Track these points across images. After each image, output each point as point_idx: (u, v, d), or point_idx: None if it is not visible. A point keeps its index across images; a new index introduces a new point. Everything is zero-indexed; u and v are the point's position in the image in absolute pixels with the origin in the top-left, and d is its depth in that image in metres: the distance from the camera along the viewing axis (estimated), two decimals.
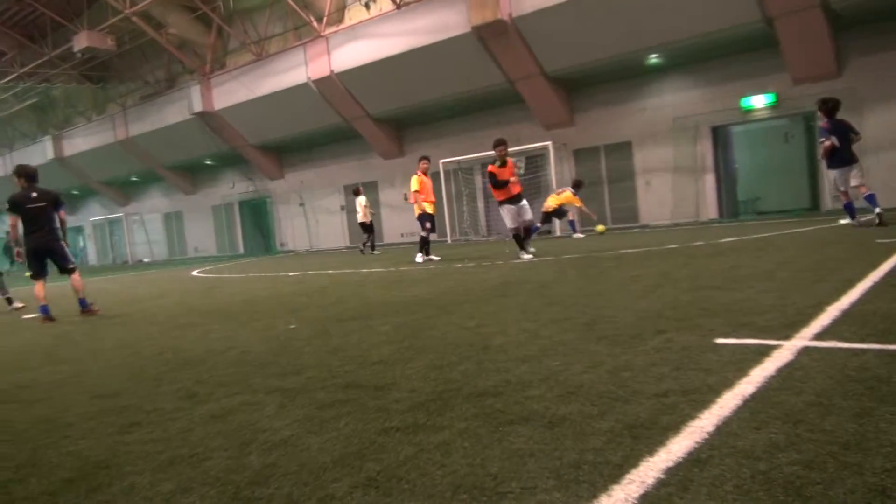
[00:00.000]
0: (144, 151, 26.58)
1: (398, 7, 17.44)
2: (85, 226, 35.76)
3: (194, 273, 15.93)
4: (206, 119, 22.90)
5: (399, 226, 22.17)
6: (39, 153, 30.35)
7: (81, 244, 37.34)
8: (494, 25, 15.41)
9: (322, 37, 19.12)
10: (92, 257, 35.78)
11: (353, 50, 18.54)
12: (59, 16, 23.16)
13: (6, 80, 25.88)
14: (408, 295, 6.89)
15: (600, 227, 15.03)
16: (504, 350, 3.66)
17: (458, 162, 19.66)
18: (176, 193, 29.84)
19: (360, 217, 16.24)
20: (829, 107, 9.68)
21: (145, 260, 31.10)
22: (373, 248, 16.73)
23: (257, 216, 28.18)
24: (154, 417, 3.00)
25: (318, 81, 19.44)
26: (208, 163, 27.01)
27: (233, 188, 27.49)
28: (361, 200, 16.37)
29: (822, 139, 9.68)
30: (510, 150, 18.29)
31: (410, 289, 7.48)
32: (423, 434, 2.39)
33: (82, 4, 23.12)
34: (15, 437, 2.90)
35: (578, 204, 15.19)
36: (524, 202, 10.06)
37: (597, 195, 17.97)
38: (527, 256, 9.85)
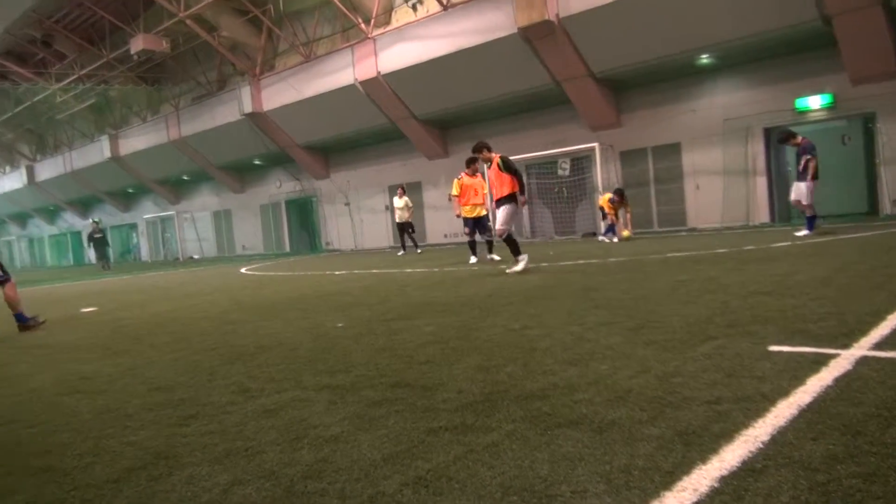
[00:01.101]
0: (196, 151, 27.27)
1: (445, 8, 17.50)
2: (139, 223, 36.87)
3: (243, 270, 16.28)
4: (256, 119, 23.37)
5: (442, 227, 22.24)
6: (97, 152, 31.44)
7: (135, 241, 38.52)
8: (541, 26, 15.33)
9: (369, 38, 19.32)
10: (145, 254, 36.87)
11: (399, 51, 18.68)
12: (117, 19, 23.94)
13: (67, 81, 26.88)
14: (452, 296, 6.91)
15: (626, 233, 14.63)
16: (550, 353, 3.65)
17: None
18: (225, 192, 30.53)
19: (406, 216, 16.37)
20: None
21: (195, 257, 31.89)
22: (416, 246, 16.84)
23: (303, 215, 28.63)
24: (209, 410, 3.09)
25: (364, 83, 19.65)
26: (257, 162, 27.56)
27: (280, 187, 27.99)
28: (406, 201, 16.48)
29: (808, 157, 10.52)
30: (556, 150, 18.21)
31: (454, 290, 7.50)
32: (472, 435, 2.41)
33: (139, 8, 23.85)
34: (80, 427, 3.02)
35: (609, 211, 14.61)
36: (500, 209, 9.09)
37: (644, 197, 17.71)
38: (518, 267, 8.79)
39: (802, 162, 10.62)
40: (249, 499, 2.01)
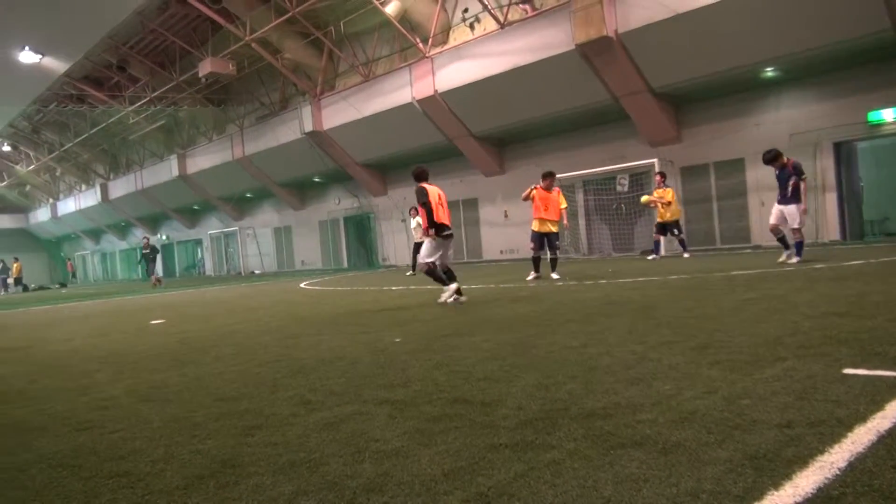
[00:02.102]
0: (258, 169, 28.09)
1: (502, 27, 17.61)
2: (203, 238, 38.13)
3: (302, 285, 16.60)
4: (316, 138, 23.93)
5: (498, 243, 22.21)
6: (166, 171, 32.76)
7: (199, 256, 39.83)
8: (599, 42, 15.24)
9: (427, 58, 19.58)
10: (209, 268, 38.05)
11: (456, 69, 18.86)
12: (187, 44, 25.01)
13: (140, 104, 28.18)
14: (509, 312, 6.89)
15: (645, 198, 14.21)
16: (611, 371, 3.59)
17: (560, 179, 19.49)
18: (286, 209, 31.30)
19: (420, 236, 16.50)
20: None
21: (256, 272, 32.73)
22: (413, 267, 16.86)
23: (361, 231, 29.06)
24: (273, 422, 3.16)
25: (422, 101, 19.90)
26: (316, 180, 28.17)
27: (338, 204, 28.51)
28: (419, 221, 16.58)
29: (800, 179, 10.00)
30: (614, 167, 17.98)
31: (511, 306, 7.47)
32: (533, 452, 2.39)
33: (207, 33, 24.87)
34: (152, 434, 3.14)
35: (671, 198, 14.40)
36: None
37: (706, 214, 17.27)
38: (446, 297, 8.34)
39: (792, 183, 9.92)
40: None
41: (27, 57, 24.26)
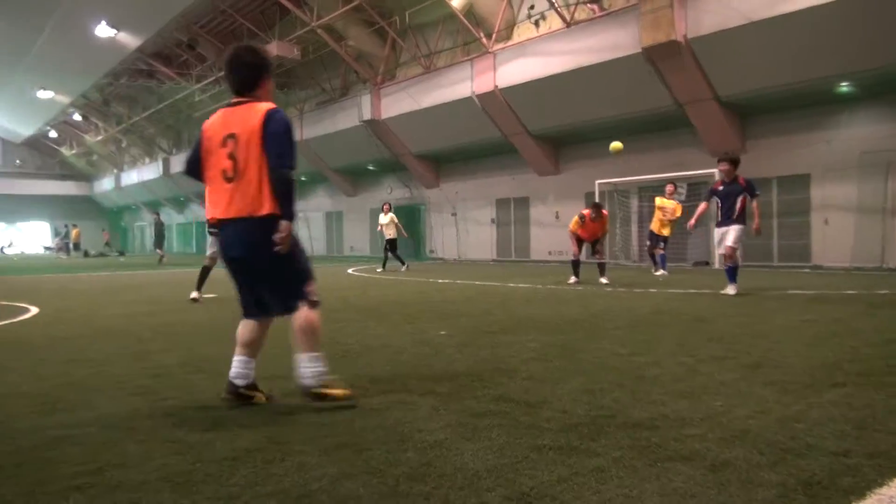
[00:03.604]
0: (314, 153, 28.50)
1: (568, 25, 17.40)
2: None
3: (350, 271, 16.81)
4: (373, 126, 24.13)
5: (547, 244, 22.03)
6: None
7: None
8: (667, 47, 14.91)
9: (490, 52, 19.51)
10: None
11: (518, 66, 18.73)
12: (255, 27, 25.51)
13: (206, 82, 28.88)
14: (555, 314, 6.84)
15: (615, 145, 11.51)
16: (659, 382, 3.53)
17: (615, 184, 19.20)
18: (338, 195, 31.69)
19: (391, 234, 16.65)
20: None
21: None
22: (384, 265, 16.84)
23: (411, 222, 29.18)
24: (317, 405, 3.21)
25: (481, 96, 19.84)
26: (370, 168, 28.43)
27: (391, 193, 28.72)
28: (392, 217, 16.77)
29: (755, 197, 8.65)
30: (672, 174, 17.61)
31: (559, 308, 7.41)
32: (577, 457, 2.37)
33: (275, 17, 25.30)
34: (203, 404, 3.23)
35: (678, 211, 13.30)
36: None
37: (765, 229, 16.76)
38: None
39: (741, 201, 8.52)
40: (356, 493, 2.08)
41: (103, 31, 25.13)
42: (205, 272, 9.12)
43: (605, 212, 11.71)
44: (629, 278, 12.52)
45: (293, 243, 3.07)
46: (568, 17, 17.42)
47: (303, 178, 32.91)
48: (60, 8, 23.48)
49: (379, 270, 16.22)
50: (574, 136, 20.18)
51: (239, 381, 3.21)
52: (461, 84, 20.53)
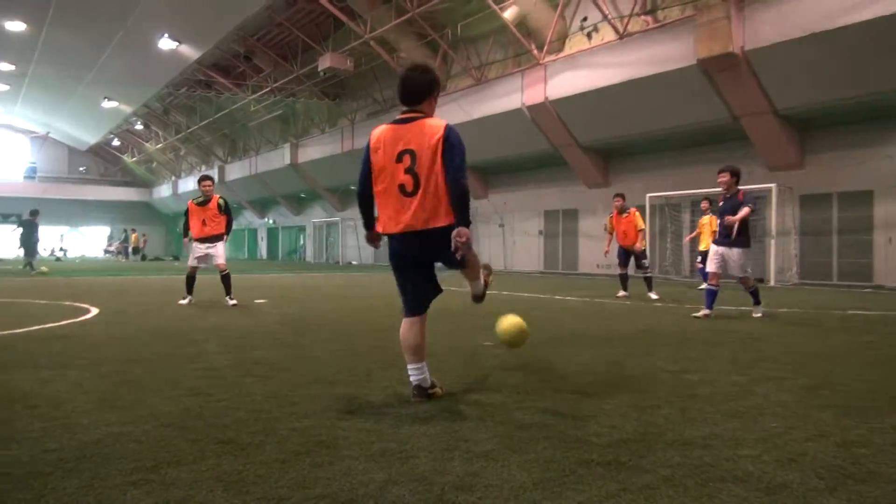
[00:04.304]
0: None
1: (621, 37, 17.25)
2: (307, 226, 39.59)
3: None
4: None
5: (595, 256, 21.75)
6: (279, 158, 34.28)
7: (301, 242, 41.39)
8: (723, 59, 14.62)
9: (541, 64, 19.47)
10: (309, 255, 39.48)
11: (569, 78, 18.64)
12: (309, 38, 26.09)
13: (261, 93, 29.64)
14: (603, 328, 6.74)
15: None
16: (711, 401, 3.44)
17: (666, 197, 18.87)
18: None
19: None
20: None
21: (353, 262, 33.64)
22: None
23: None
24: (366, 410, 3.25)
25: (531, 108, 19.80)
26: None
27: None
28: None
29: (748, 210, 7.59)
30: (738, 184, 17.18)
31: (607, 322, 7.31)
32: (626, 473, 2.33)
33: (329, 29, 25.83)
34: (253, 407, 3.29)
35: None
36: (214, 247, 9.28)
37: (824, 247, 16.21)
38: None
39: (741, 215, 7.54)
40: (403, 500, 2.08)
41: (166, 44, 26.07)
42: (190, 280, 9.36)
43: (633, 210, 11.26)
44: (679, 293, 12.26)
45: (468, 247, 3.22)
46: (621, 29, 17.27)
47: (352, 187, 33.37)
48: (126, 23, 24.48)
49: None
50: (625, 148, 19.95)
51: (424, 384, 3.43)
52: (511, 95, 20.54)
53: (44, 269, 19.86)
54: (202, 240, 9.18)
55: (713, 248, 7.93)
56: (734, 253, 7.68)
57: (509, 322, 4.02)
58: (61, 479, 2.25)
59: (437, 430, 2.89)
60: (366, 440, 2.72)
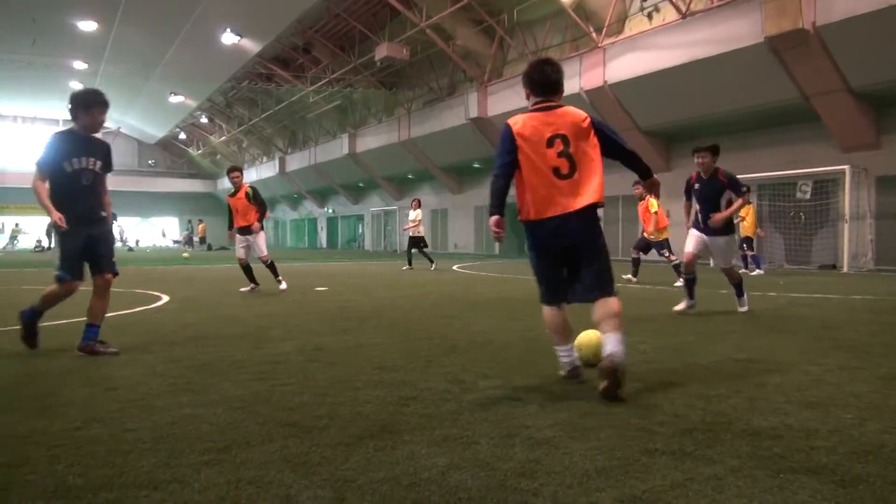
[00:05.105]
0: (421, 152, 29.01)
1: (683, 17, 16.72)
2: (365, 215, 40.11)
3: (454, 268, 16.99)
4: (479, 124, 24.24)
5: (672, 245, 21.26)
6: (337, 148, 34.78)
7: (360, 231, 41.97)
8: (793, 35, 14.00)
9: (599, 47, 19.09)
10: (368, 244, 40.03)
11: (629, 61, 18.21)
12: (366, 28, 26.30)
13: (320, 84, 30.09)
14: (666, 315, 6.60)
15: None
16: (782, 391, 3.34)
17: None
18: (444, 192, 32.08)
19: (417, 231, 16.08)
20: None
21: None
22: (431, 261, 16.23)
23: (515, 220, 29.05)
24: (427, 395, 3.28)
25: (590, 92, 19.44)
26: (476, 165, 28.58)
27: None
28: (418, 214, 16.16)
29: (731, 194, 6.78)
30: (796, 171, 16.55)
31: (669, 309, 7.15)
32: (691, 463, 2.28)
33: (386, 18, 25.97)
34: (317, 391, 3.38)
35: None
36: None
37: None
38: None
39: (725, 203, 6.81)
40: (465, 484, 2.10)
41: (228, 38, 26.75)
42: (248, 269, 9.48)
43: (649, 196, 10.27)
44: (747, 282, 11.87)
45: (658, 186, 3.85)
46: (684, 8, 16.74)
47: (409, 176, 33.57)
48: (191, 19, 25.22)
49: (432, 268, 15.82)
50: (687, 131, 19.39)
51: (577, 363, 3.59)
52: (569, 80, 19.97)
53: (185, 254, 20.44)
54: (241, 230, 9.35)
55: (692, 232, 6.85)
56: (720, 241, 6.71)
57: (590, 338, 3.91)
58: (139, 458, 2.36)
59: (499, 416, 2.90)
60: (427, 426, 2.75)
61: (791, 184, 17.31)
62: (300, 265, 18.63)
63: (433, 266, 15.90)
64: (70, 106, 4.40)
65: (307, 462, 2.31)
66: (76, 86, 36.75)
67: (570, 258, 3.53)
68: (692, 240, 6.81)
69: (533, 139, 3.44)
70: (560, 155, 3.41)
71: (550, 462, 2.29)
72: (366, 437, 2.61)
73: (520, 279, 12.48)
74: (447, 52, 23.74)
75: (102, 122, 4.55)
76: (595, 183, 3.43)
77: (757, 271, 14.16)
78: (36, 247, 35.55)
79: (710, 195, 6.69)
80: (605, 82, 18.87)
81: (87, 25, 26.20)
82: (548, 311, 3.61)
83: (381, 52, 24.65)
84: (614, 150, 3.54)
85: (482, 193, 29.56)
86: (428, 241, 33.20)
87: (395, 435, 2.63)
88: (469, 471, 2.22)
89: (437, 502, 1.97)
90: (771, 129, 17.58)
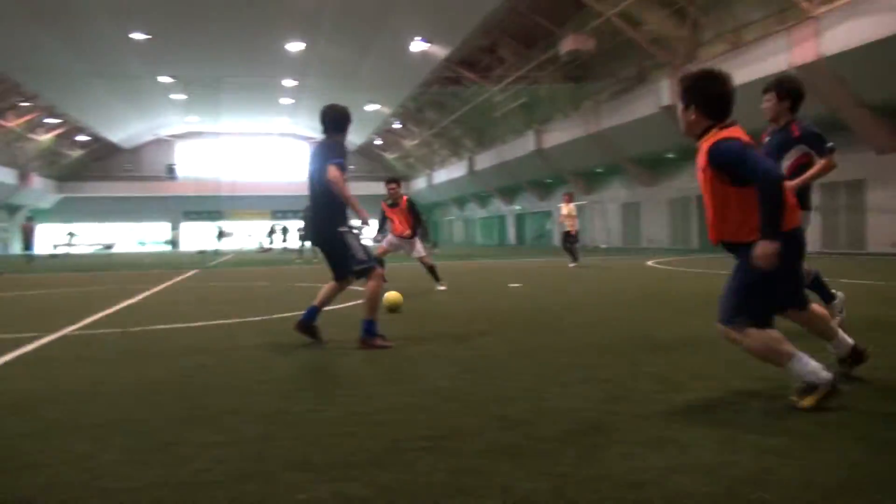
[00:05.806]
0: (611, 144, 28.21)
1: None
2: (553, 211, 39.92)
3: (649, 263, 16.32)
4: (672, 111, 23.05)
5: (891, 233, 18.74)
6: (524, 145, 34.99)
7: (548, 227, 41.87)
8: None
9: (812, 18, 17.21)
10: (556, 240, 39.83)
11: (849, 30, 16.19)
12: (550, 23, 26.14)
13: (505, 83, 30.50)
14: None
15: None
16: None
17: None
18: (635, 185, 30.93)
19: (571, 226, 15.43)
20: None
21: (602, 245, 33.17)
22: (575, 259, 15.32)
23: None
24: (635, 396, 3.18)
25: (801, 68, 17.56)
26: (669, 156, 27.20)
27: (693, 183, 27.20)
28: (571, 209, 15.47)
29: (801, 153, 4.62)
30: None
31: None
32: None
33: (569, 11, 25.61)
34: (524, 386, 3.43)
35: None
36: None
37: None
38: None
39: (793, 162, 4.67)
40: (687, 489, 2.01)
41: (417, 46, 28.13)
42: (432, 269, 9.64)
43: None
44: None
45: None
46: None
47: (598, 170, 32.86)
48: (382, 31, 26.89)
49: (571, 265, 15.17)
50: None
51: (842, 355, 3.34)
52: (774, 58, 18.48)
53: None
54: (400, 237, 9.64)
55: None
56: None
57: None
58: (364, 439, 2.56)
59: (718, 421, 2.73)
60: (638, 426, 2.67)
61: None
62: (492, 263, 19.03)
63: (573, 264, 15.40)
64: (336, 119, 5.41)
65: (522, 454, 2.35)
66: (286, 101, 40.78)
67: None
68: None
69: None
70: None
71: (783, 472, 2.12)
72: (577, 433, 2.60)
73: (721, 275, 11.65)
74: (635, 39, 22.86)
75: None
76: None
77: None
78: (260, 247, 39.79)
79: (771, 152, 4.73)
80: (821, 56, 17.00)
81: (295, 46, 28.98)
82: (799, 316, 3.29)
83: (567, 44, 24.38)
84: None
85: (677, 185, 28.11)
86: (621, 237, 32.37)
87: (606, 434, 2.59)
88: (690, 475, 2.12)
89: None
90: None
